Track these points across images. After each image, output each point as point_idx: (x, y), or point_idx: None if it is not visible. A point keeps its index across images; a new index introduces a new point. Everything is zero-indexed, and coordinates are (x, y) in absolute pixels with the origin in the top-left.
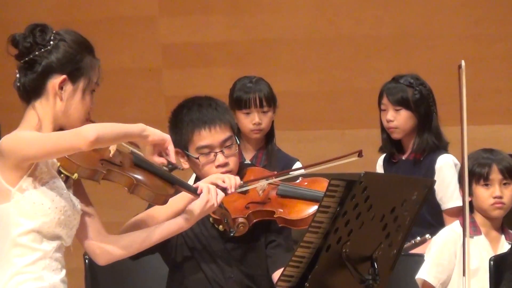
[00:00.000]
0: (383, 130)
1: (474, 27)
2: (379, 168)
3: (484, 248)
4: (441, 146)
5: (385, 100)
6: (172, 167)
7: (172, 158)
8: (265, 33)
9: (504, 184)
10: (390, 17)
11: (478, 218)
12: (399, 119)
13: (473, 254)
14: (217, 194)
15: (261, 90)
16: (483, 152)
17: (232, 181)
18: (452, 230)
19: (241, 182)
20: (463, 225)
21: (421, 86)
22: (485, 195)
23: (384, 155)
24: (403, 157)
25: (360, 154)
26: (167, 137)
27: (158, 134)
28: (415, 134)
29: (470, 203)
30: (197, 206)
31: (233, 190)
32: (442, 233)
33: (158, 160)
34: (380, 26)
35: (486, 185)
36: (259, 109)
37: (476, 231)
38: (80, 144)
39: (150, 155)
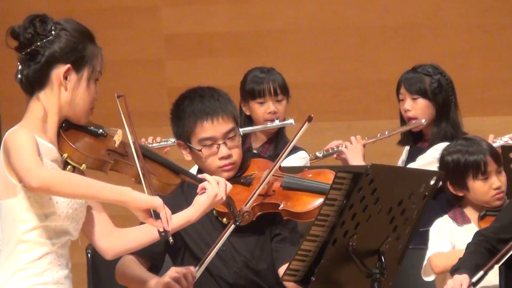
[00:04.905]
0: (403, 121)
1: (482, 16)
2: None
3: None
4: (457, 137)
5: (402, 90)
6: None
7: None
8: (270, 23)
9: (499, 172)
10: (397, 6)
11: (468, 210)
12: (417, 109)
13: (466, 240)
14: (225, 187)
15: (274, 79)
16: (465, 142)
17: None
18: (445, 221)
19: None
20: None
21: (439, 75)
22: (485, 188)
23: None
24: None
25: (309, 119)
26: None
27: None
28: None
29: (460, 197)
30: (206, 200)
31: None
32: (437, 223)
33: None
34: (386, 15)
35: (485, 178)
36: (274, 97)
37: (465, 220)
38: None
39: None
